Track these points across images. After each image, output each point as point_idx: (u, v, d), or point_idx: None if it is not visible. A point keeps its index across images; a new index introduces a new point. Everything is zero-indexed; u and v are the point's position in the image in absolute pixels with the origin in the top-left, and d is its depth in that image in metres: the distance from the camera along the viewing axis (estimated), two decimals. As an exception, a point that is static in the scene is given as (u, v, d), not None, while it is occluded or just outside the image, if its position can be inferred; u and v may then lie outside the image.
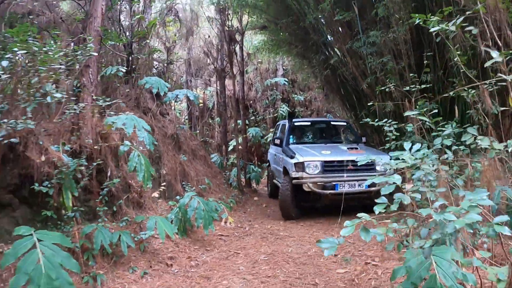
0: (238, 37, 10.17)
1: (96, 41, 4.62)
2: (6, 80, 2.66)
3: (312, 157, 6.08)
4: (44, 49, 2.89)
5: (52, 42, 3.45)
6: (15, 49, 2.66)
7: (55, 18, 6.50)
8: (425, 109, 5.88)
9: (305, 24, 8.00)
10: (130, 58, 6.64)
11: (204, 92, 15.23)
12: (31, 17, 5.62)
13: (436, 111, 5.83)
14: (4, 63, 2.64)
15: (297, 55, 10.32)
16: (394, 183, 1.90)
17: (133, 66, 6.54)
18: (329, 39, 8.00)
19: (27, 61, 2.74)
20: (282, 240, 4.91)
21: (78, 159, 3.45)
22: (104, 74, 5.08)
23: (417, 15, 2.74)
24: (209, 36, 11.26)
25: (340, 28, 7.51)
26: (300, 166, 5.96)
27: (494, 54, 2.03)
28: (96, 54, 3.83)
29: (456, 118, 4.54)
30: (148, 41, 6.42)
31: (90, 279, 3.39)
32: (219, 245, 4.76)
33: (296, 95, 15.47)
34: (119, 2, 6.40)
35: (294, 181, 5.99)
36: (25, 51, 2.70)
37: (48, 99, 2.92)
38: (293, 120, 8.04)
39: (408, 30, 5.77)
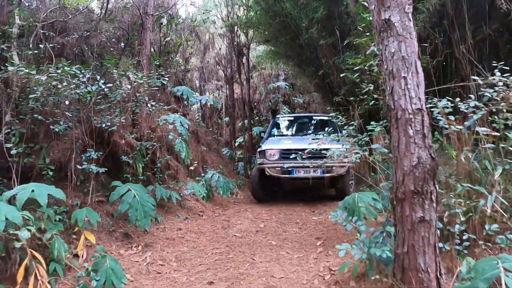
0: (244, 50, 12.10)
1: (147, 62, 6.58)
2: (123, 95, 4.61)
3: (272, 146, 6.89)
4: (144, 77, 4.87)
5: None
6: (134, 80, 4.65)
7: (103, 41, 8.52)
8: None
9: (300, 42, 9.89)
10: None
11: (213, 95, 17.16)
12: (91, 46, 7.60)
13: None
14: (126, 88, 4.59)
15: (294, 66, 12.20)
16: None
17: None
18: (319, 54, 9.87)
19: (139, 88, 4.70)
20: (277, 204, 6.82)
21: (149, 142, 5.38)
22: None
23: (349, 60, 4.64)
24: (220, 48, 13.20)
25: (327, 47, 9.40)
26: (263, 154, 6.80)
27: (367, 86, 3.92)
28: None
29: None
30: (176, 58, 8.34)
31: (153, 218, 5.31)
32: (233, 207, 6.69)
33: (296, 98, 17.29)
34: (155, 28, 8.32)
35: (258, 166, 6.93)
36: (140, 81, 4.68)
37: (149, 105, 4.89)
38: (276, 116, 9.11)
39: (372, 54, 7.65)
